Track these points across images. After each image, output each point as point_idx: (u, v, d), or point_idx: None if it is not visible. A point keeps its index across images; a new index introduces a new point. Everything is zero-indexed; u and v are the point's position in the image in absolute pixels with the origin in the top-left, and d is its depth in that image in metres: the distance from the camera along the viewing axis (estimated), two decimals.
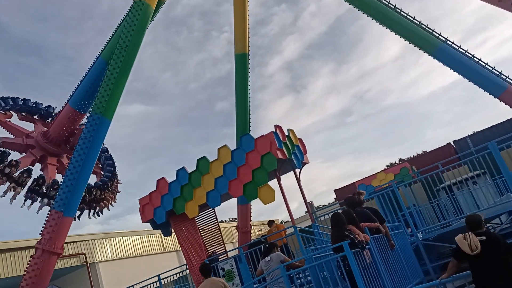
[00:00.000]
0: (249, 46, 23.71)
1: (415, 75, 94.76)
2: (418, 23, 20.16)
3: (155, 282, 13.12)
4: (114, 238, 27.91)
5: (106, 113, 15.05)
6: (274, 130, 9.73)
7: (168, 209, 10.73)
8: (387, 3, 20.01)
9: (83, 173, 14.33)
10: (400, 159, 55.37)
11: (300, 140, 10.88)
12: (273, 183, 9.87)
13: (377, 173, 21.06)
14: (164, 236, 12.39)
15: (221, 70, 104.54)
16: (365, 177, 23.33)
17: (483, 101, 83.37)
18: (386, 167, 49.23)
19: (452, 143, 25.67)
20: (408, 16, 20.33)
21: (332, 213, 8.54)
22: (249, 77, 23.78)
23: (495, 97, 18.88)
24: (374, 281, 6.72)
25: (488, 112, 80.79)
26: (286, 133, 10.29)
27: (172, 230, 11.54)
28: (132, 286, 14.29)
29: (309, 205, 11.06)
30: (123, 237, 29.58)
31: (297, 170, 10.89)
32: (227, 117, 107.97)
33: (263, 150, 9.50)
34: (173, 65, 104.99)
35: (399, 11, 20.31)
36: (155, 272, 14.04)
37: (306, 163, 10.71)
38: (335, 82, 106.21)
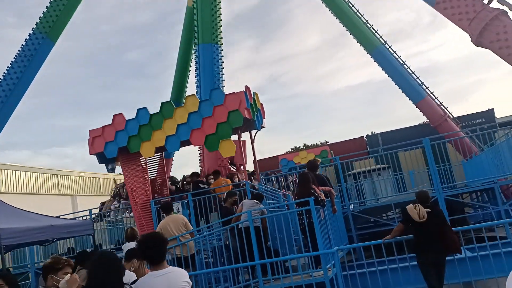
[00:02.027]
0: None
1: (328, 70, 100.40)
2: (365, 21, 21.83)
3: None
4: (4, 171, 26.14)
5: (51, 35, 14.01)
6: (244, 90, 10.19)
7: (121, 145, 10.67)
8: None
9: (14, 95, 13.27)
10: (304, 144, 58.63)
11: (262, 105, 11.49)
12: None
13: (299, 150, 22.54)
14: (108, 172, 12.24)
15: (140, 17, 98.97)
16: (288, 153, 24.72)
17: (383, 106, 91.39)
18: (291, 150, 52.22)
19: (365, 137, 28.30)
20: (357, 13, 21.89)
21: (300, 173, 9.37)
22: (195, 33, 23.53)
23: (413, 103, 21.43)
24: (323, 235, 7.73)
25: (386, 115, 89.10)
26: (252, 95, 10.80)
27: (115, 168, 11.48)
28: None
29: (257, 165, 11.78)
30: (15, 171, 27.70)
31: (253, 132, 11.52)
32: (137, 68, 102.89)
33: (232, 107, 9.94)
34: None
35: (351, 5, 21.75)
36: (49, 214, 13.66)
37: (263, 127, 11.37)
38: (256, 58, 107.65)
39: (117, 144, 10.69)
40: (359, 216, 11.46)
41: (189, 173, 12.52)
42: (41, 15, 13.88)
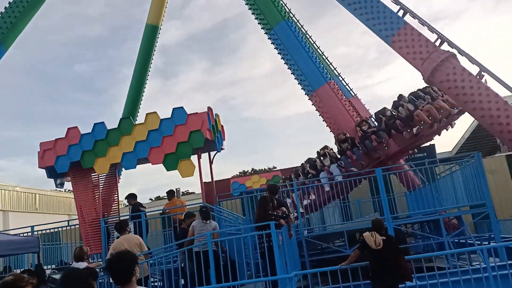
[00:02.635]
0: (163, 20, 23.28)
1: (278, 96, 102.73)
2: (321, 52, 22.68)
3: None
4: None
5: (4, 41, 13.31)
6: (207, 110, 10.19)
7: (74, 160, 10.20)
8: (303, 29, 22.04)
9: None
10: (252, 169, 59.15)
11: (222, 127, 11.50)
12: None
13: (252, 174, 22.67)
14: (56, 187, 11.58)
15: (91, 30, 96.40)
16: (237, 176, 24.72)
17: (330, 135, 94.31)
18: (239, 173, 52.58)
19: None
20: (314, 44, 22.72)
21: (261, 196, 9.35)
22: (154, 51, 23.31)
23: None
24: (281, 260, 7.74)
25: (332, 144, 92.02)
26: (214, 117, 10.80)
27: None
28: None
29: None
30: None
31: (212, 153, 11.46)
32: (84, 81, 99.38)
33: (194, 127, 9.88)
34: None
35: (309, 36, 22.54)
36: None
37: (223, 149, 11.36)
38: (207, 79, 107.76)
39: (70, 159, 10.21)
40: (310, 242, 11.60)
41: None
42: None
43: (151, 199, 56.78)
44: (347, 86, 22.56)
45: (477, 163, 10.71)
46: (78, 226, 12.37)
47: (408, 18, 10.87)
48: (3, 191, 33.24)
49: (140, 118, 23.15)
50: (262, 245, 7.46)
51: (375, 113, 13.67)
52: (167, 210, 10.96)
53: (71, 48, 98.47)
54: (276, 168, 54.56)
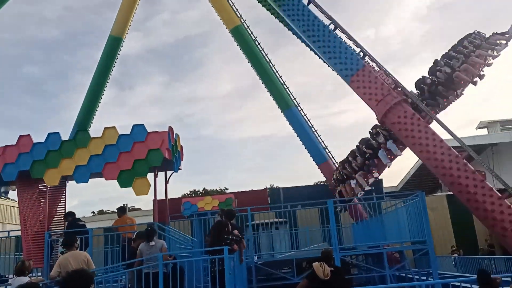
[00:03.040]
0: (127, 32, 23.09)
1: (235, 118, 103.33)
2: (283, 82, 23.38)
3: None
4: None
5: None
6: (167, 130, 10.20)
7: (22, 169, 9.79)
8: (267, 58, 22.73)
9: None
10: (204, 189, 58.70)
11: (181, 147, 11.52)
12: None
13: (204, 195, 22.57)
14: None
15: (46, 33, 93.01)
16: (191, 196, 24.54)
17: (282, 160, 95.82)
18: (189, 192, 52.01)
19: (268, 189, 29.51)
20: (277, 73, 23.41)
21: (217, 220, 9.33)
22: (115, 62, 23.00)
23: (316, 164, 22.97)
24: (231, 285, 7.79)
25: (284, 170, 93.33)
26: (174, 136, 10.82)
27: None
28: None
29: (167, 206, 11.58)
30: None
31: (168, 173, 11.40)
32: (32, 84, 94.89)
33: (153, 145, 9.83)
34: None
35: (272, 65, 23.23)
36: None
37: (180, 169, 11.34)
38: (164, 95, 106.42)
39: (18, 167, 9.80)
40: (259, 268, 11.72)
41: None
42: None
43: (93, 212, 54.56)
44: (305, 117, 23.37)
45: (421, 201, 11.36)
46: (14, 237, 11.86)
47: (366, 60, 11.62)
48: None
49: (94, 128, 22.67)
50: (214, 269, 7.50)
51: (415, 83, 13.10)
52: (117, 228, 10.73)
53: (22, 48, 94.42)
54: (227, 189, 54.63)
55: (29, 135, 10.03)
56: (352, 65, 11.35)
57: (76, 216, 10.84)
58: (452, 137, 10.88)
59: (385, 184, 32.00)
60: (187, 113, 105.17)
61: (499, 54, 11.88)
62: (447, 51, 12.91)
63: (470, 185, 10.00)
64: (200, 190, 54.14)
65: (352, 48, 11.74)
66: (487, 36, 12.23)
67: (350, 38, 11.82)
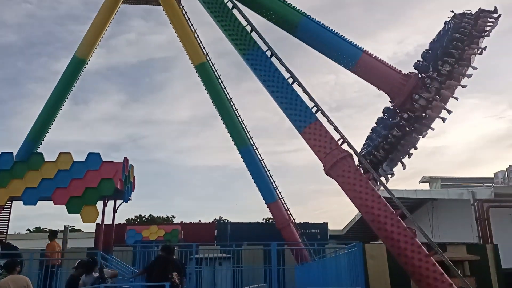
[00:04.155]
0: (91, 55, 23.13)
1: (190, 145, 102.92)
2: (241, 121, 24.11)
3: None
4: None
5: None
6: (123, 161, 10.47)
7: None
8: (228, 96, 23.48)
9: None
10: (150, 215, 57.59)
11: (134, 178, 11.74)
12: None
13: (150, 224, 22.43)
14: None
15: (3, 37, 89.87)
16: (137, 222, 24.26)
17: (232, 193, 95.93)
18: (134, 217, 50.90)
19: (216, 222, 29.66)
20: (236, 111, 24.14)
21: (159, 256, 9.47)
22: (75, 83, 22.84)
23: (265, 203, 23.42)
24: None
25: (233, 202, 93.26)
26: (129, 167, 11.07)
27: None
28: None
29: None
30: None
31: (118, 202, 11.54)
32: None
33: (107, 175, 10.08)
34: None
35: (233, 103, 23.94)
36: None
37: (130, 199, 11.52)
38: (119, 114, 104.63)
39: None
40: None
41: None
42: None
43: (29, 229, 51.80)
44: (259, 156, 24.09)
45: (358, 252, 12.07)
46: None
47: (319, 114, 12.52)
48: None
49: (44, 149, 22.11)
50: None
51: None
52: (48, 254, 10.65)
53: None
54: (174, 217, 53.81)
55: None
56: (305, 118, 12.19)
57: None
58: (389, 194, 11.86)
59: (331, 227, 33.16)
60: (142, 134, 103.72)
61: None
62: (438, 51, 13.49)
63: (401, 241, 10.86)
64: (146, 216, 53.06)
65: (306, 102, 12.63)
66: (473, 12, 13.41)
67: (306, 92, 12.73)
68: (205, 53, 23.64)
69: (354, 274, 12.30)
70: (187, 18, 23.61)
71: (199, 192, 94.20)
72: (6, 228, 10.54)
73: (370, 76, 14.67)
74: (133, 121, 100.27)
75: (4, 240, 10.33)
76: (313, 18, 14.79)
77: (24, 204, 9.93)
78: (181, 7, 23.76)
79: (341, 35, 14.75)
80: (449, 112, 12.92)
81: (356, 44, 14.63)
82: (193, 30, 23.68)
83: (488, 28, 13.16)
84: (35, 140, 20.84)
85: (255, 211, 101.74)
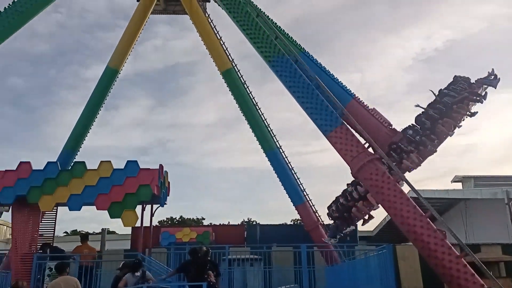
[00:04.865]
0: (123, 65, 24.10)
1: (216, 148, 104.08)
2: (267, 124, 24.52)
3: None
4: None
5: None
6: (158, 168, 11.06)
7: (20, 193, 10.46)
8: (254, 101, 23.94)
9: None
10: (181, 217, 58.73)
11: (169, 183, 12.34)
12: None
13: (183, 226, 23.12)
14: None
15: (35, 46, 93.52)
16: (169, 225, 24.99)
17: (260, 194, 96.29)
18: (166, 219, 52.14)
19: (245, 224, 30.13)
20: (262, 116, 24.56)
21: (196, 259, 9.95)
22: (109, 92, 23.87)
23: (293, 205, 23.79)
24: None
25: (260, 203, 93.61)
26: (164, 174, 11.66)
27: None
28: None
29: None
30: None
31: (154, 206, 12.16)
32: (15, 96, 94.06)
33: (144, 181, 10.66)
34: None
35: (257, 105, 24.38)
36: None
37: (166, 204, 12.12)
38: (147, 118, 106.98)
39: (15, 191, 10.47)
40: None
41: None
42: None
43: (66, 232, 53.73)
44: (286, 159, 24.42)
45: (388, 254, 12.21)
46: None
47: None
48: None
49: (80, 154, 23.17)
50: None
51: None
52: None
53: (9, 60, 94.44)
54: (204, 219, 54.87)
55: (29, 162, 10.75)
56: (331, 122, 12.48)
57: None
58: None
59: (361, 228, 32.96)
60: (169, 138, 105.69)
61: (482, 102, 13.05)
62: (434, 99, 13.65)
63: (431, 243, 10.96)
64: (177, 218, 54.24)
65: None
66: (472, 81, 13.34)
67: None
68: (231, 60, 24.22)
69: (385, 276, 12.45)
70: (213, 26, 24.26)
71: (226, 194, 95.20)
72: (52, 232, 11.27)
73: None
74: (160, 125, 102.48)
75: (51, 244, 11.07)
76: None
77: (70, 209, 10.64)
78: (206, 15, 24.46)
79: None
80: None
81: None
82: (219, 38, 24.31)
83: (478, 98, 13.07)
84: (73, 148, 22.07)
85: (283, 212, 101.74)
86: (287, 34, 17.33)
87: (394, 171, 12.02)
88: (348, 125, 12.68)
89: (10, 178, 10.56)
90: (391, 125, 14.39)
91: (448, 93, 13.16)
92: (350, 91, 16.31)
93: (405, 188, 12.21)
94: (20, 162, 10.71)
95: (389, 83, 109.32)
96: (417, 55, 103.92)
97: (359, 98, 15.89)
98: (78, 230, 52.40)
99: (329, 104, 12.93)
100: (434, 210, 11.92)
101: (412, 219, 11.09)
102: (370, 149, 12.21)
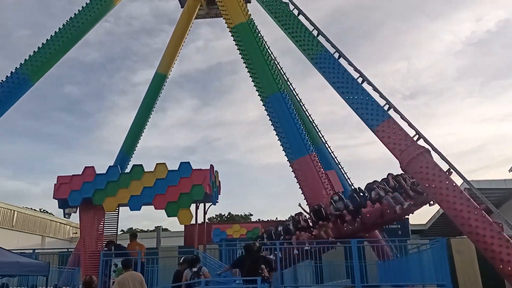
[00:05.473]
0: (171, 70, 25.05)
1: (261, 144, 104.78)
2: (311, 120, 24.60)
3: None
4: None
5: (32, 76, 14.67)
6: (209, 168, 11.56)
7: (86, 196, 11.32)
8: (297, 97, 24.09)
9: None
10: (229, 213, 59.72)
11: (219, 182, 12.84)
12: None
13: (230, 220, 23.65)
14: (64, 217, 12.60)
15: (87, 55, 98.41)
16: (219, 221, 25.70)
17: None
18: (215, 216, 53.40)
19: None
20: (306, 112, 24.66)
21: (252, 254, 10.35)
22: (159, 96, 24.92)
23: None
24: None
25: (298, 201, 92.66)
26: (214, 173, 12.15)
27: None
28: None
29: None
30: None
31: (207, 205, 12.70)
32: (71, 103, 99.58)
33: (197, 181, 11.19)
34: (36, 26, 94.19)
35: (301, 102, 24.50)
36: None
37: (217, 202, 12.64)
38: (193, 118, 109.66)
39: (82, 194, 11.34)
40: None
41: None
42: (28, 57, 14.70)
43: (122, 230, 56.37)
44: (332, 154, 24.41)
45: (441, 248, 12.01)
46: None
47: (392, 112, 12.68)
48: None
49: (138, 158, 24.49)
50: None
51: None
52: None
53: (64, 69, 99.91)
54: (252, 215, 55.73)
55: (93, 167, 11.61)
56: (378, 116, 12.45)
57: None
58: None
59: (412, 221, 32.15)
60: (215, 137, 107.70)
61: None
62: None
63: (487, 236, 10.71)
64: (226, 215, 55.41)
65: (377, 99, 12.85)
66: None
67: (376, 90, 12.98)
68: (273, 58, 24.49)
69: (439, 270, 12.26)
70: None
71: (272, 190, 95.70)
72: (115, 231, 12.08)
73: None
74: (206, 125, 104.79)
75: (115, 241, 11.87)
76: None
77: (131, 209, 11.39)
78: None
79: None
80: None
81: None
82: (261, 37, 24.62)
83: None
84: (128, 152, 23.31)
85: None
86: None
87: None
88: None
89: (77, 182, 11.46)
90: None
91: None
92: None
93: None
94: (85, 167, 11.59)
95: (438, 70, 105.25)
96: (467, 39, 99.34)
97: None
98: (133, 228, 54.83)
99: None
100: (489, 202, 11.61)
101: (466, 212, 10.89)
102: (420, 142, 12.06)
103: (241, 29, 18.10)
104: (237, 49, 18.56)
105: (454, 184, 11.31)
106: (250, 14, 18.98)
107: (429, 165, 11.48)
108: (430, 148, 11.93)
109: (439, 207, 13.97)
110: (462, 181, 12.23)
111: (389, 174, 14.07)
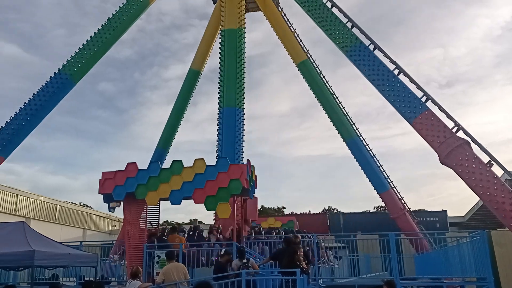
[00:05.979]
0: (204, 66, 25.46)
1: (292, 137, 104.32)
2: (346, 113, 24.38)
3: None
4: None
5: (74, 76, 15.34)
6: (246, 163, 11.80)
7: (129, 190, 11.81)
8: (331, 90, 23.94)
9: (30, 123, 14.27)
10: (262, 206, 60.06)
11: (256, 176, 13.05)
12: None
13: (264, 213, 23.91)
14: (108, 211, 13.18)
15: (120, 52, 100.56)
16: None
17: (339, 181, 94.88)
18: None
19: (327, 212, 30.40)
20: (340, 104, 24.46)
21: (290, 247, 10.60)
22: (193, 93, 25.42)
23: (378, 193, 23.49)
24: None
25: (340, 191, 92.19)
26: (251, 168, 12.38)
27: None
28: None
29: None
30: None
31: (243, 199, 12.97)
32: (106, 100, 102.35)
33: (234, 176, 11.44)
34: (71, 25, 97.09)
35: (334, 95, 24.33)
36: None
37: (254, 196, 12.88)
38: None
39: (125, 189, 11.83)
40: None
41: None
42: (69, 58, 15.39)
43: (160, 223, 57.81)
44: (367, 147, 24.11)
45: (482, 240, 11.79)
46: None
47: (429, 103, 12.52)
48: (28, 198, 34.97)
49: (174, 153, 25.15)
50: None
51: None
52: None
53: (100, 66, 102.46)
54: (285, 208, 56.06)
55: (135, 163, 12.07)
56: (415, 108, 12.31)
57: None
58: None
59: (451, 213, 31.47)
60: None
61: None
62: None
63: None
64: (259, 208, 55.82)
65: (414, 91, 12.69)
66: None
67: (413, 82, 12.82)
68: (305, 51, 24.43)
69: (480, 262, 12.05)
70: (286, 20, 24.63)
71: (304, 182, 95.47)
72: (157, 224, 12.54)
73: None
74: None
75: (158, 234, 12.35)
76: None
77: (172, 203, 11.79)
78: (279, 9, 24.86)
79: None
80: None
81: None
82: (293, 30, 24.62)
83: None
84: (164, 147, 23.96)
85: (364, 199, 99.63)
86: None
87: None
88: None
89: (120, 178, 11.97)
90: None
91: None
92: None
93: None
94: (128, 163, 12.08)
95: (476, 56, 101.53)
96: (507, 24, 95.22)
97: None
98: (169, 221, 56.24)
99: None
100: None
101: (508, 204, 10.69)
102: (460, 133, 11.88)
103: (229, 35, 19.12)
104: (219, 52, 19.60)
105: (495, 176, 11.10)
106: (244, 23, 20.11)
107: (468, 157, 11.31)
108: (469, 140, 11.73)
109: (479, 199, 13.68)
110: (503, 172, 11.95)
111: None
